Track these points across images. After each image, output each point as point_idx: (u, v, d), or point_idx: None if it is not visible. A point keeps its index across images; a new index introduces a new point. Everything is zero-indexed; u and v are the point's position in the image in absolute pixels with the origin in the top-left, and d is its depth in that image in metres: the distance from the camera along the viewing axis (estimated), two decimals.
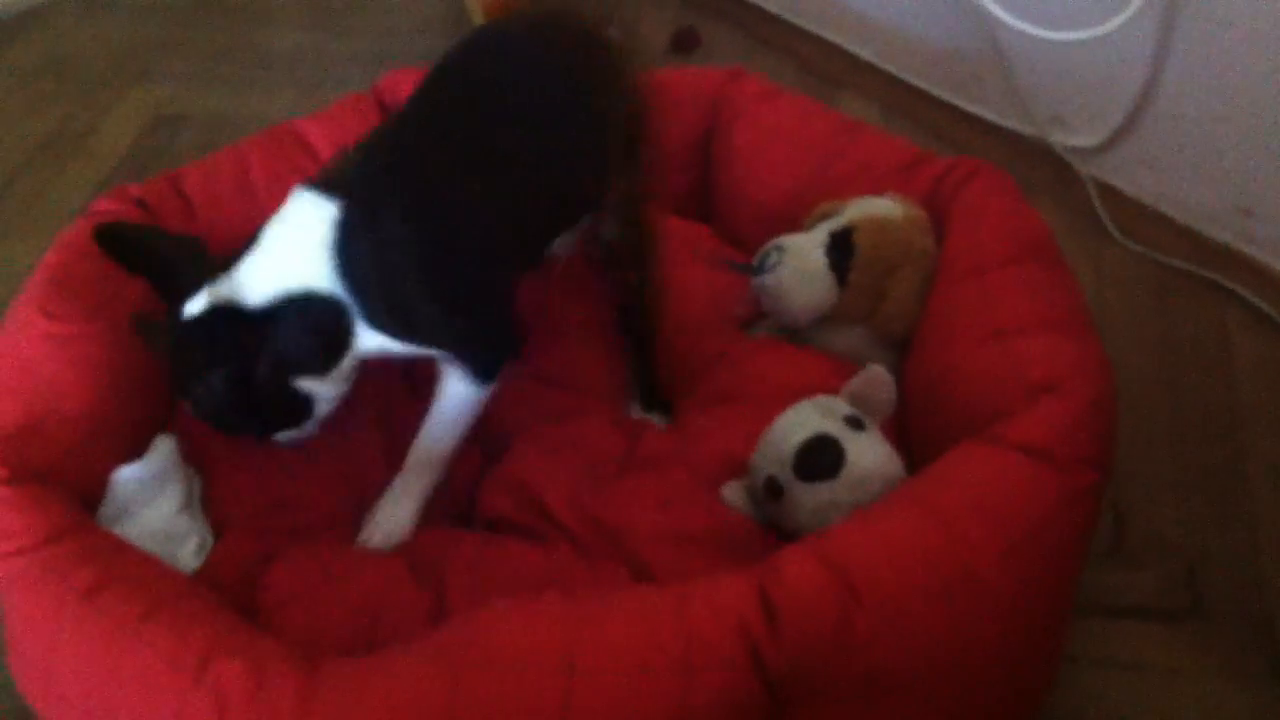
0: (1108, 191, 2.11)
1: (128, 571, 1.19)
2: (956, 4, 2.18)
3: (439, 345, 1.39)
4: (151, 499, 1.37)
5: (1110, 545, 1.59)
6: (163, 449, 1.42)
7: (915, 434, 1.45)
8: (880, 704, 1.10)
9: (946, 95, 2.33)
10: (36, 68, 2.70)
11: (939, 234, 1.59)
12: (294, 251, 1.29)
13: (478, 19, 2.46)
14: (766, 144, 1.83)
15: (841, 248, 1.57)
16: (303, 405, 1.33)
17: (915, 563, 1.11)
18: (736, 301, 1.69)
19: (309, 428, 1.36)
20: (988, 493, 1.18)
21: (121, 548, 1.24)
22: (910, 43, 2.35)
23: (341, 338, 1.31)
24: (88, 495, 1.33)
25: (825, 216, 1.63)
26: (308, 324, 1.29)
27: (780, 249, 1.59)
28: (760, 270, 1.60)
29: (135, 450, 1.40)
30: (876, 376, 1.38)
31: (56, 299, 1.44)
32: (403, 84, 1.81)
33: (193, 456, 1.46)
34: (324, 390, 1.33)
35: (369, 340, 1.32)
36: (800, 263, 1.58)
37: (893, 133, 2.29)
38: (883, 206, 1.59)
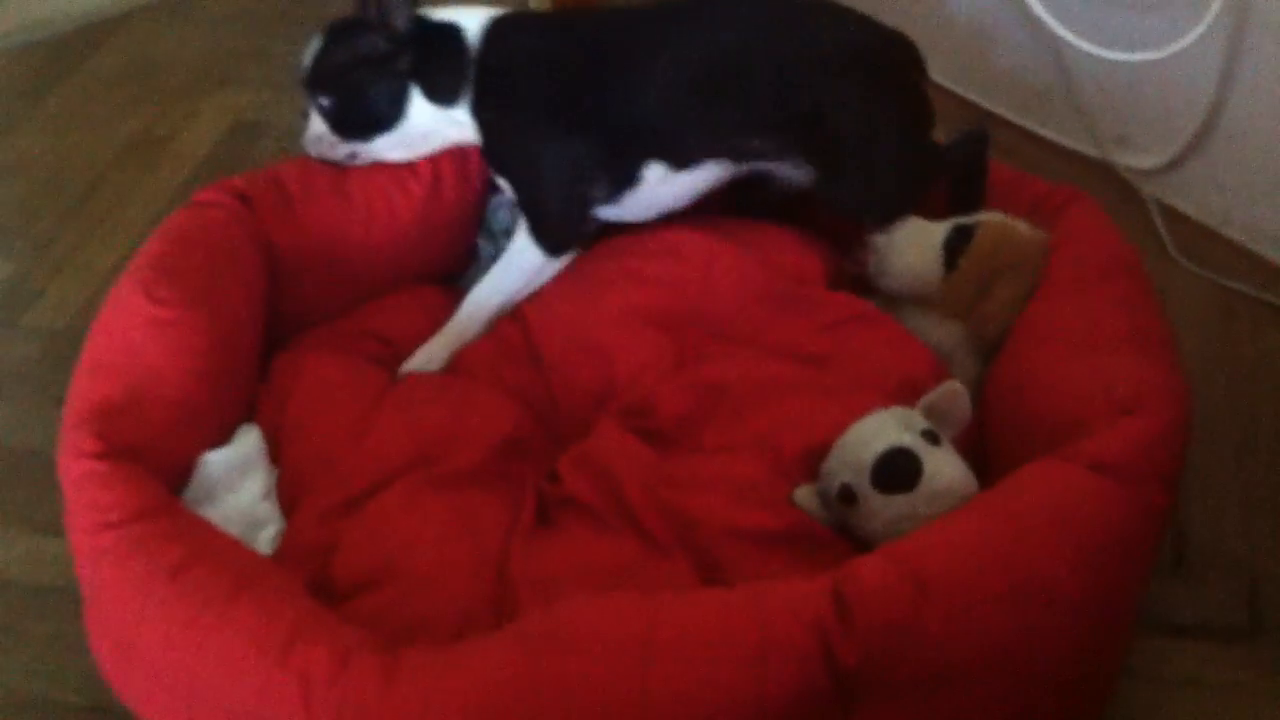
0: (1171, 213, 2.12)
1: (214, 552, 1.22)
2: (1023, 25, 2.20)
3: (508, 180, 1.74)
4: (236, 484, 1.42)
5: (1172, 562, 1.60)
6: (250, 437, 1.48)
7: (993, 443, 1.48)
8: (945, 702, 1.14)
9: (1012, 115, 2.35)
10: (120, 74, 2.76)
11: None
12: (455, 14, 1.73)
13: None
14: None
15: (961, 237, 1.61)
16: (400, 106, 1.72)
17: (986, 567, 1.14)
18: (849, 257, 1.72)
19: (390, 141, 1.75)
20: (1061, 505, 1.20)
21: (208, 529, 1.28)
22: (976, 63, 2.37)
23: (453, 88, 1.71)
24: (173, 478, 1.37)
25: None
26: (438, 52, 1.71)
27: (907, 221, 1.64)
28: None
29: (220, 439, 1.46)
30: (954, 392, 1.40)
31: (163, 285, 1.48)
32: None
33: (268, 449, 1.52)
34: (417, 118, 1.73)
35: (456, 121, 1.74)
36: (918, 233, 1.63)
37: None
38: (1017, 223, 1.63)
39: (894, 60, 1.72)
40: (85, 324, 1.98)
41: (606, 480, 1.44)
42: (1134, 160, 2.16)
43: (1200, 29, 1.86)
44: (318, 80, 1.74)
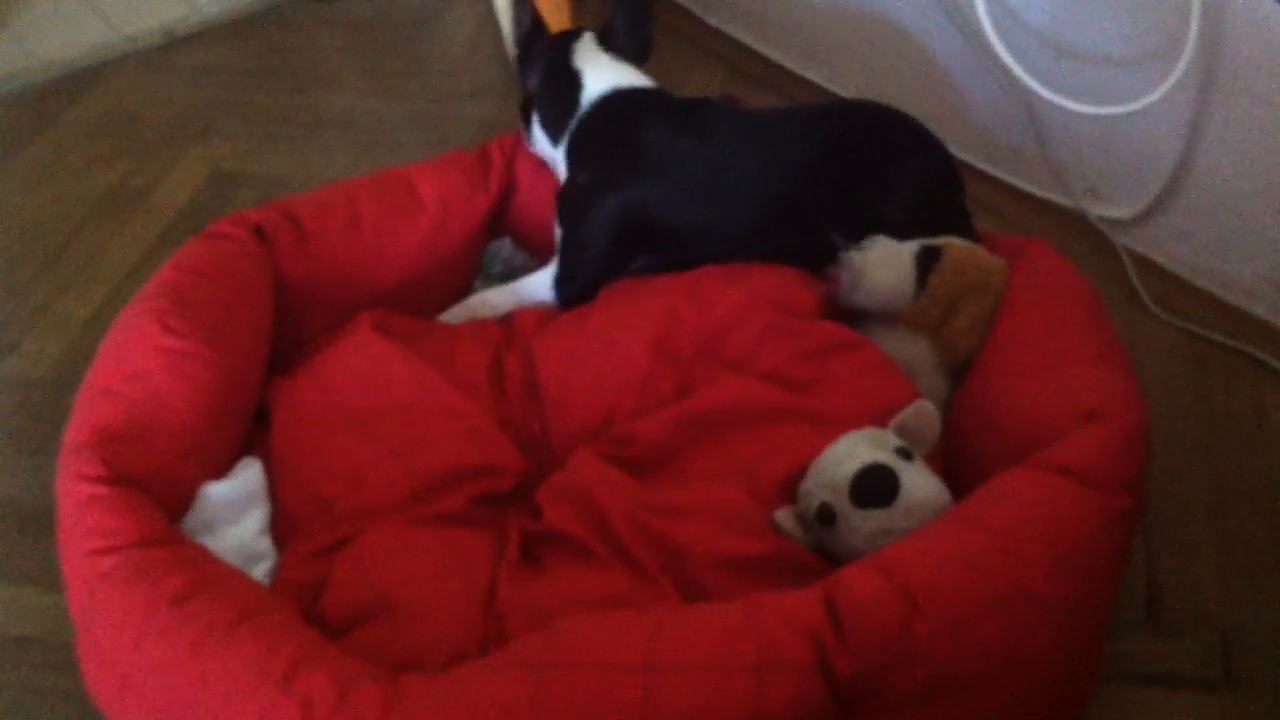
0: (1143, 263, 2.14)
1: (217, 581, 1.23)
2: (996, 79, 2.22)
3: (560, 228, 1.83)
4: (237, 518, 1.43)
5: (1144, 613, 1.61)
6: (251, 470, 1.49)
7: (963, 457, 1.52)
8: (938, 707, 1.16)
9: (984, 166, 2.37)
10: (98, 125, 2.77)
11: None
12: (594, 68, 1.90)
13: None
14: None
15: (930, 256, 1.65)
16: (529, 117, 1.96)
17: (970, 575, 1.18)
18: (823, 274, 1.73)
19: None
20: (1036, 512, 1.25)
21: (210, 558, 1.28)
22: (950, 114, 2.39)
23: (557, 130, 1.90)
24: (174, 506, 1.37)
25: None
26: (560, 94, 1.90)
27: (875, 240, 1.67)
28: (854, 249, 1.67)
29: (220, 470, 1.47)
30: (925, 411, 1.44)
31: (176, 315, 1.50)
32: (515, 143, 2.02)
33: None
34: (537, 136, 1.95)
35: (557, 158, 1.91)
36: (890, 252, 1.65)
37: None
38: (976, 247, 1.70)
39: (951, 184, 1.84)
40: (62, 375, 2.01)
41: (588, 510, 1.44)
42: (1106, 211, 2.18)
43: (1169, 84, 1.89)
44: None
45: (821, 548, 1.41)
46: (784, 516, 1.43)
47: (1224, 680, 1.54)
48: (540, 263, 1.91)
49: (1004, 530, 1.22)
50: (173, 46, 3.08)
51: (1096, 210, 2.19)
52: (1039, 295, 1.61)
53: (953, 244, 1.67)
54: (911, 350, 1.66)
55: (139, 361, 1.45)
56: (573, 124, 1.85)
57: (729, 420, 1.55)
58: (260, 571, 1.41)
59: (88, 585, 1.24)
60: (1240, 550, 1.69)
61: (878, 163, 1.77)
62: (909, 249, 1.67)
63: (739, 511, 1.44)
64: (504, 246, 1.97)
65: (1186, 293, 2.09)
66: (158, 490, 1.33)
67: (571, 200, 1.82)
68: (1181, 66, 1.86)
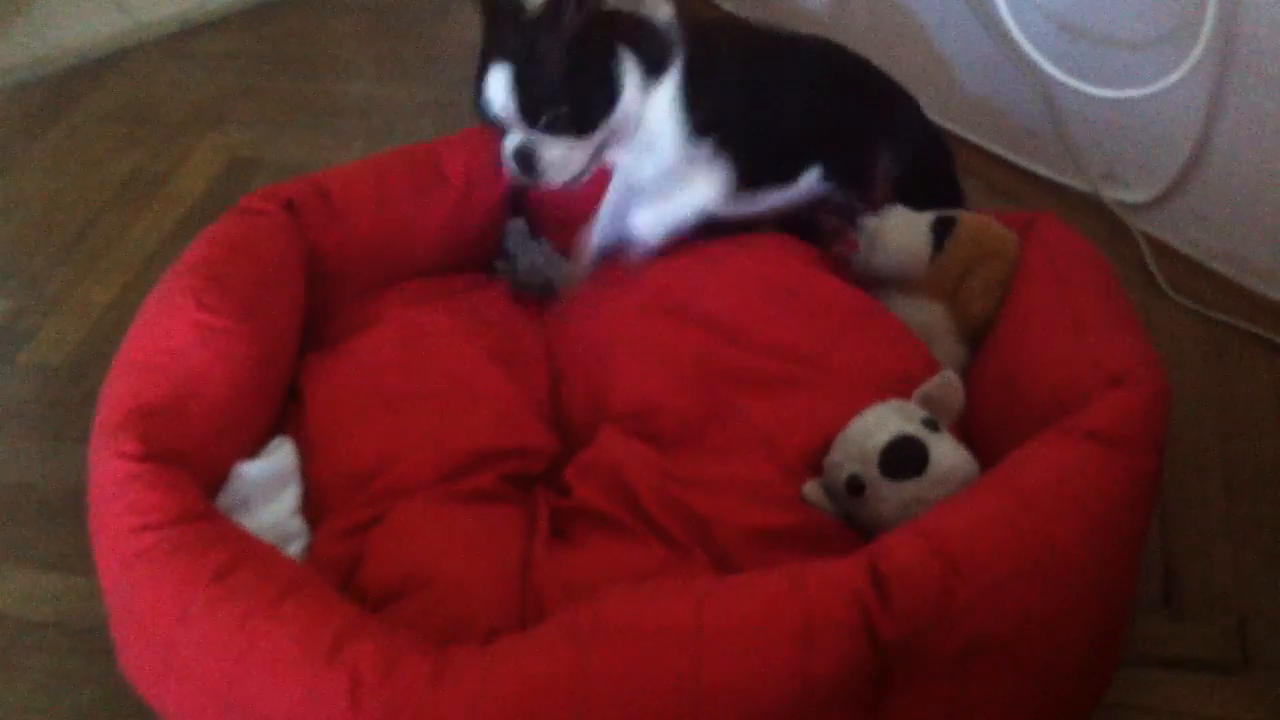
0: (1159, 247, 2.13)
1: (258, 557, 1.22)
2: (1012, 63, 2.22)
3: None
4: (271, 497, 1.43)
5: (1161, 596, 1.61)
6: (284, 449, 1.49)
7: (984, 428, 1.53)
8: (975, 669, 1.16)
9: (1001, 150, 2.37)
10: (116, 112, 2.78)
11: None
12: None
13: None
14: None
15: (945, 224, 1.69)
16: (613, 92, 1.64)
17: (1007, 538, 1.19)
18: (842, 243, 1.77)
19: (598, 137, 1.65)
20: (1067, 477, 1.26)
21: (247, 535, 1.27)
22: (966, 99, 2.39)
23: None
24: (209, 484, 1.37)
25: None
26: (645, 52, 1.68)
27: (891, 208, 1.72)
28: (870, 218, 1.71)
29: (254, 448, 1.47)
30: (950, 382, 1.45)
31: (212, 292, 1.50)
32: None
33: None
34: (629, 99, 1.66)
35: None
36: (906, 221, 1.70)
37: None
38: (984, 215, 1.74)
39: (940, 149, 1.96)
40: (81, 362, 2.02)
41: (617, 485, 1.44)
42: (1122, 195, 2.17)
43: (1186, 66, 1.88)
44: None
45: (850, 519, 1.42)
46: (812, 489, 1.44)
47: (1241, 663, 1.53)
48: (555, 248, 1.90)
49: (1038, 495, 1.23)
50: (189, 34, 3.09)
51: (1112, 194, 2.19)
52: (1053, 263, 1.62)
53: (966, 215, 1.71)
54: (928, 316, 1.68)
55: (175, 338, 1.45)
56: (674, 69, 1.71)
57: (749, 391, 1.56)
58: (294, 550, 1.40)
59: (126, 564, 1.23)
60: (1257, 533, 1.69)
61: (874, 107, 1.87)
62: (925, 218, 1.70)
63: (766, 483, 1.45)
64: (518, 226, 1.95)
65: (1203, 277, 2.08)
66: (194, 467, 1.33)
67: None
68: (1198, 49, 1.86)
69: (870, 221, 1.69)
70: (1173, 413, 1.81)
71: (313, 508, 1.47)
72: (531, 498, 1.50)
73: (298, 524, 1.44)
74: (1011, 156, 2.36)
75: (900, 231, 1.69)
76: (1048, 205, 2.26)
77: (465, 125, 2.61)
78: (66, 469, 1.82)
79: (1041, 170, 2.31)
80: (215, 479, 1.40)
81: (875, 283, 1.72)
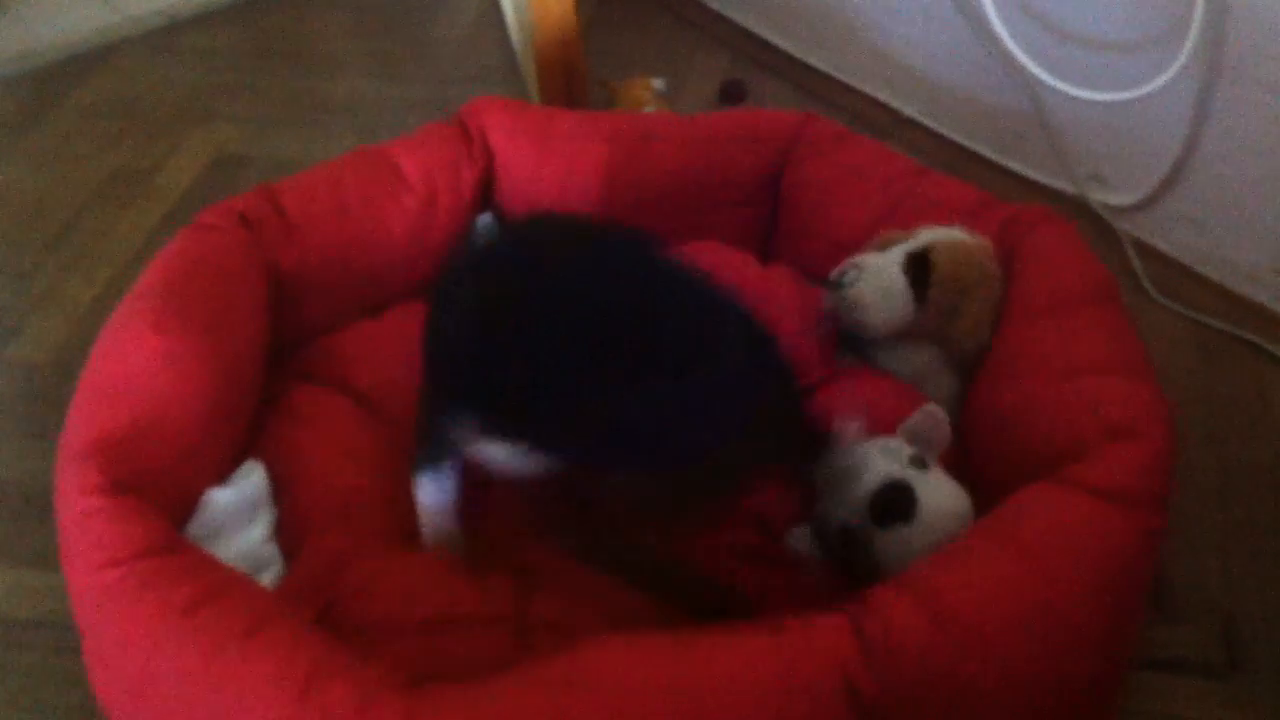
0: (1146, 250, 2.14)
1: (227, 590, 1.19)
2: (1000, 65, 2.22)
3: None
4: (243, 524, 1.40)
5: (1150, 599, 1.61)
6: (255, 475, 1.46)
7: (980, 467, 1.48)
8: None
9: (988, 152, 2.37)
10: (103, 108, 2.77)
11: (1007, 272, 1.63)
12: None
13: (529, 70, 2.52)
14: (841, 181, 1.86)
15: (920, 266, 1.59)
16: None
17: (1000, 596, 1.16)
18: (815, 316, 1.70)
19: None
20: (1068, 533, 1.22)
21: (217, 566, 1.24)
22: (954, 100, 2.40)
23: None
24: (177, 512, 1.34)
25: (894, 241, 1.66)
26: None
27: (858, 266, 1.62)
28: (840, 286, 1.62)
29: (222, 472, 1.45)
30: (933, 415, 1.41)
31: (171, 314, 1.46)
32: (484, 111, 1.91)
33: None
34: None
35: None
36: (879, 280, 1.60)
37: None
38: (954, 232, 1.63)
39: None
40: (66, 358, 2.01)
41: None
42: (1109, 198, 2.18)
43: (1173, 70, 1.89)
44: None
45: (844, 564, 1.39)
46: (799, 536, 1.41)
47: (1229, 666, 1.54)
48: None
49: (1036, 552, 1.19)
50: (176, 29, 3.08)
51: (1100, 197, 2.19)
52: (1054, 296, 1.55)
53: (938, 244, 1.61)
54: (921, 359, 1.64)
55: (134, 364, 1.42)
56: None
57: None
58: (268, 579, 1.38)
59: (95, 599, 1.20)
60: (1245, 536, 1.69)
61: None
62: (894, 264, 1.60)
63: (750, 542, 1.42)
64: (486, 221, 1.91)
65: (1190, 280, 2.08)
66: (160, 496, 1.30)
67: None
68: (1186, 52, 1.86)
69: (846, 293, 1.60)
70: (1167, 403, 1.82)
71: (288, 534, 1.45)
72: (515, 535, 1.47)
73: (271, 550, 1.42)
74: (998, 158, 2.36)
75: (878, 300, 1.60)
76: None
77: None
78: (49, 466, 1.77)
79: (1028, 172, 2.31)
80: (185, 505, 1.37)
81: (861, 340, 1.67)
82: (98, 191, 2.48)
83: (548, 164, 1.88)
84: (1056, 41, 2.10)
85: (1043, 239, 1.64)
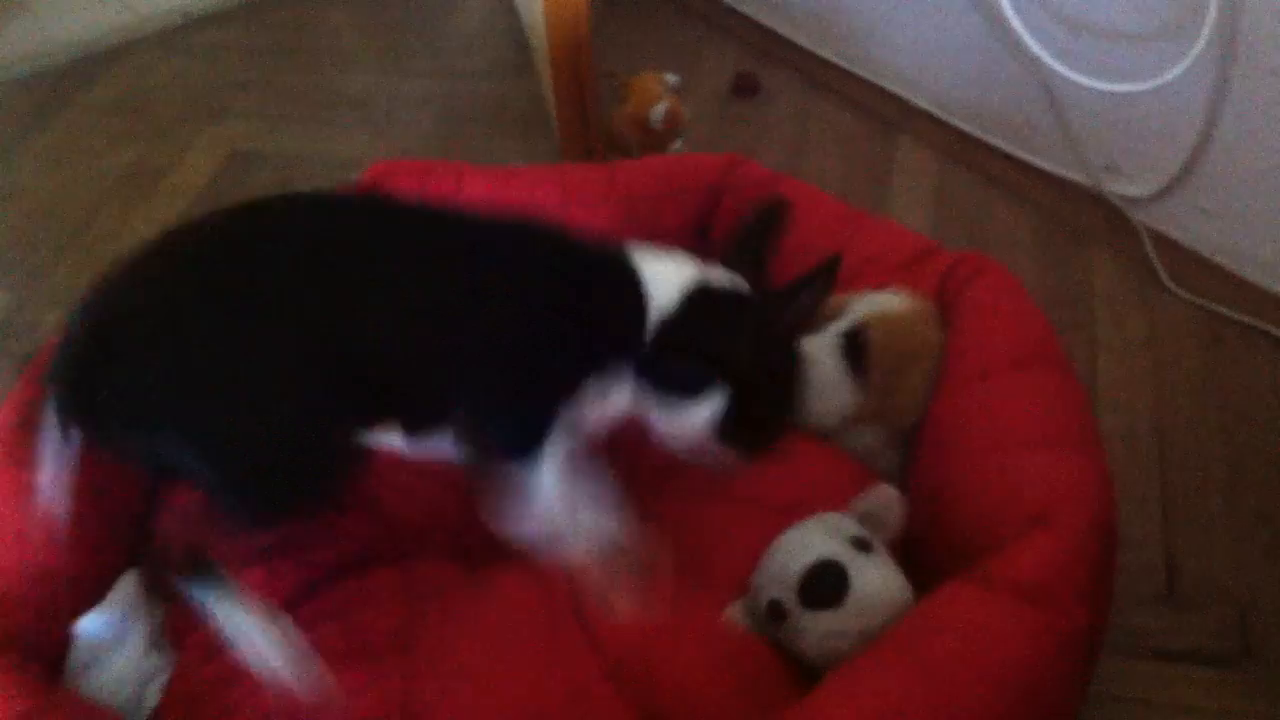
0: (1161, 240, 2.13)
1: None
2: (1014, 58, 2.21)
3: None
4: (118, 643, 1.34)
5: (1163, 590, 1.61)
6: (123, 589, 1.39)
7: (917, 548, 1.38)
8: None
9: (1001, 143, 2.37)
10: (116, 105, 2.78)
11: (946, 330, 1.57)
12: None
13: (540, 65, 2.52)
14: None
15: (856, 349, 1.54)
16: None
17: None
18: None
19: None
20: (976, 643, 1.14)
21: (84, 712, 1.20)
22: (966, 92, 2.39)
23: None
24: (59, 648, 1.29)
25: (829, 316, 1.59)
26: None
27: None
28: None
29: (102, 591, 1.37)
30: (886, 496, 1.36)
31: (20, 445, 1.36)
32: (391, 173, 1.82)
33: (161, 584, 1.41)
34: None
35: None
36: (816, 371, 1.55)
37: (949, 181, 2.34)
38: (890, 301, 1.57)
39: None
40: None
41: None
42: (1124, 189, 2.17)
43: (1188, 61, 1.88)
44: None
45: (780, 644, 1.30)
46: (736, 611, 1.33)
47: (1242, 655, 1.54)
48: None
49: (941, 666, 1.11)
50: (190, 26, 3.09)
51: (1114, 188, 2.18)
52: (986, 357, 1.48)
53: (872, 319, 1.54)
54: (864, 440, 1.57)
55: None
56: None
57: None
58: (155, 688, 1.32)
59: None
60: (1258, 526, 1.69)
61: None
62: (830, 350, 1.55)
63: (688, 613, 1.34)
64: None
65: (1205, 270, 2.08)
66: (37, 641, 1.25)
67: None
68: (1201, 43, 1.85)
69: None
70: (1173, 407, 1.82)
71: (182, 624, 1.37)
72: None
73: (154, 660, 1.35)
74: (1013, 150, 2.35)
75: (817, 394, 1.54)
76: (1049, 199, 2.26)
77: (465, 117, 2.63)
78: None
79: (1043, 164, 2.30)
80: (60, 642, 1.31)
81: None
82: (112, 189, 2.49)
83: None
84: (1070, 32, 2.10)
85: (980, 292, 1.57)
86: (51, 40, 2.99)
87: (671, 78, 2.51)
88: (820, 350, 1.55)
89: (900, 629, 1.18)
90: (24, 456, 1.35)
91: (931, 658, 1.12)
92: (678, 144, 2.42)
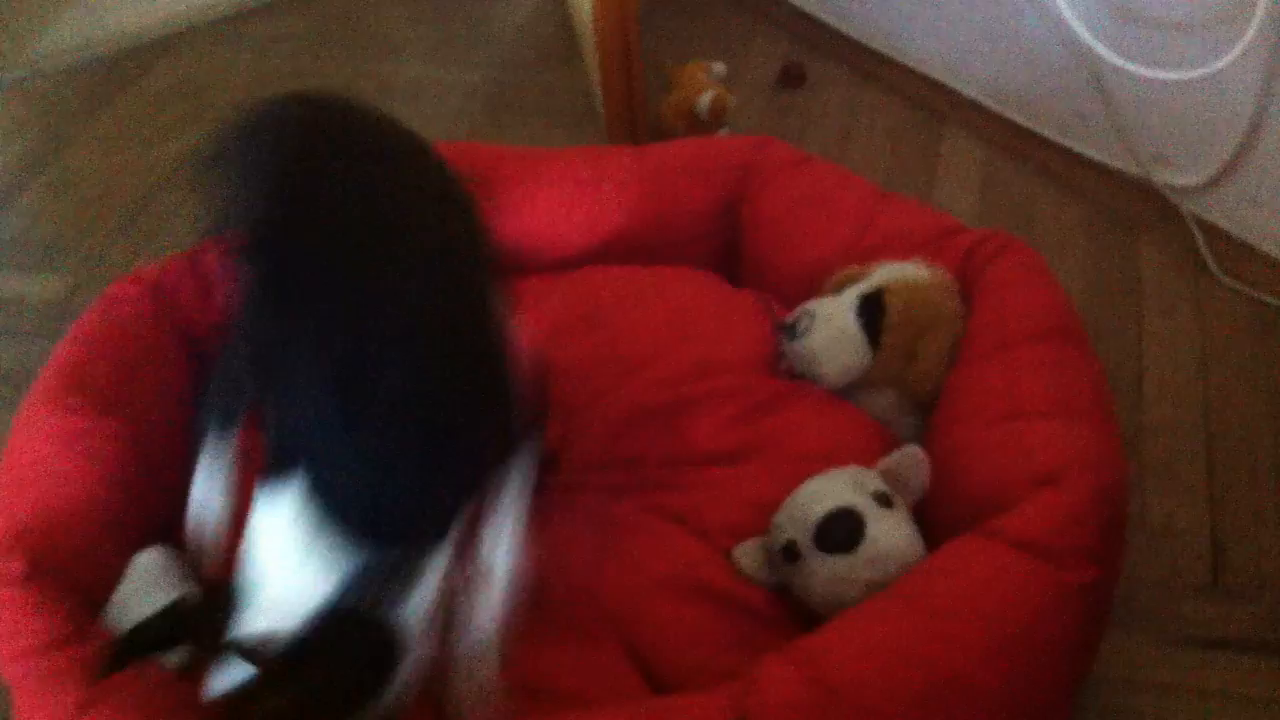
0: (1210, 230, 2.12)
1: (126, 681, 1.14)
2: (1061, 44, 2.21)
3: None
4: (168, 587, 1.34)
5: (1209, 577, 1.61)
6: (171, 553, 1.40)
7: (930, 511, 1.40)
8: None
9: (1050, 133, 2.36)
10: (169, 94, 2.82)
11: (966, 305, 1.58)
12: None
13: (588, 55, 2.53)
14: (796, 212, 1.81)
15: (873, 310, 1.55)
16: None
17: (900, 666, 1.10)
18: (773, 362, 1.66)
19: None
20: (980, 591, 1.16)
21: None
22: (1014, 81, 2.38)
23: None
24: (98, 588, 1.30)
25: (850, 281, 1.62)
26: None
27: (811, 314, 1.58)
28: (793, 336, 1.59)
29: (148, 539, 1.38)
30: (914, 457, 1.37)
31: (72, 393, 1.44)
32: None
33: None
34: None
35: None
36: (832, 328, 1.56)
37: (996, 170, 2.33)
38: (909, 270, 1.59)
39: None
40: None
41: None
42: (1173, 178, 2.16)
43: (1238, 49, 1.87)
44: None
45: (784, 587, 1.34)
46: (746, 550, 1.36)
47: None
48: None
49: (944, 612, 1.14)
50: (241, 17, 3.12)
51: (1164, 177, 2.17)
52: (1004, 331, 1.49)
53: (893, 287, 1.56)
54: (881, 403, 1.58)
55: (40, 447, 1.39)
56: None
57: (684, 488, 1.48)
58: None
59: (7, 687, 1.19)
60: None
61: None
62: (850, 309, 1.56)
63: (690, 560, 1.38)
64: None
65: (1254, 259, 2.06)
66: (76, 576, 1.27)
67: None
68: (1251, 32, 1.84)
69: (798, 345, 1.57)
70: (1221, 395, 1.81)
71: None
72: None
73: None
74: (1062, 140, 2.35)
75: (832, 349, 1.56)
76: (1098, 189, 2.26)
77: (514, 108, 2.65)
78: None
79: (1092, 153, 2.30)
80: (104, 579, 1.31)
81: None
82: (164, 177, 2.52)
83: (497, 208, 1.77)
84: (1120, 21, 2.09)
85: (1003, 269, 1.59)
86: (104, 30, 3.03)
87: (718, 67, 2.52)
88: (839, 310, 1.57)
89: (907, 579, 1.22)
90: (70, 403, 1.42)
91: (935, 603, 1.15)
92: (723, 133, 2.43)
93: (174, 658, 1.25)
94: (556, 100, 2.68)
